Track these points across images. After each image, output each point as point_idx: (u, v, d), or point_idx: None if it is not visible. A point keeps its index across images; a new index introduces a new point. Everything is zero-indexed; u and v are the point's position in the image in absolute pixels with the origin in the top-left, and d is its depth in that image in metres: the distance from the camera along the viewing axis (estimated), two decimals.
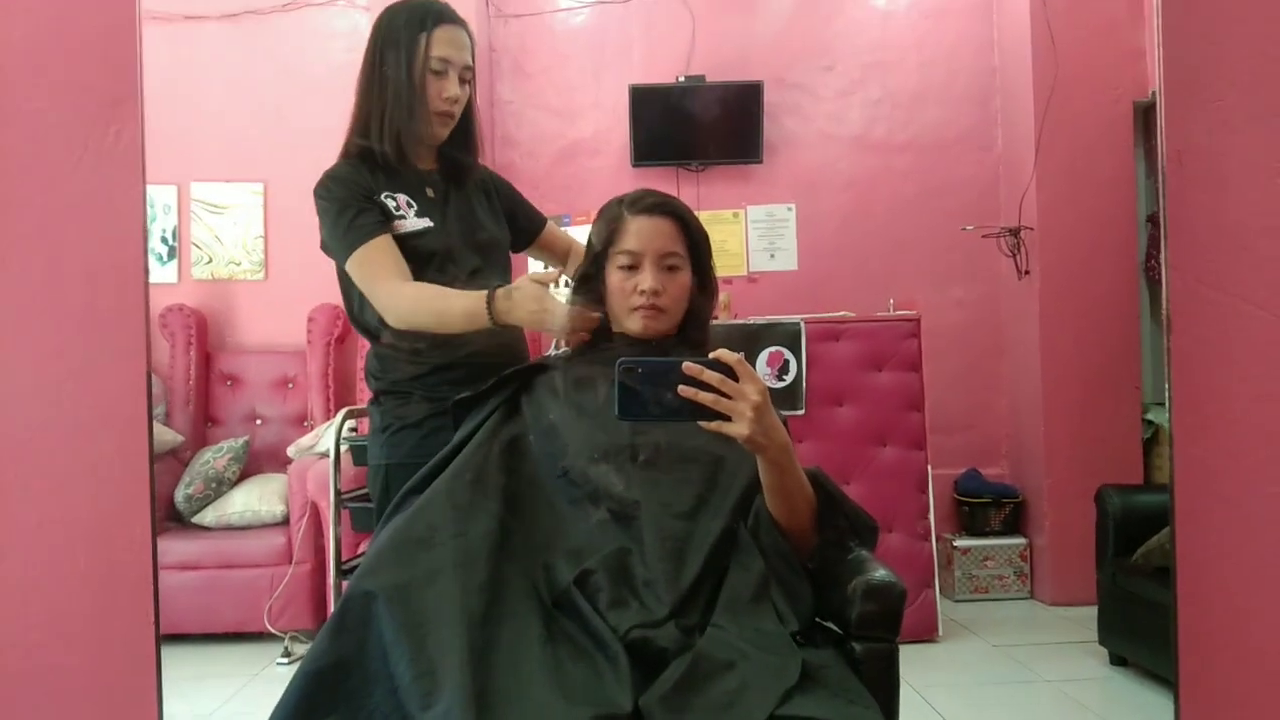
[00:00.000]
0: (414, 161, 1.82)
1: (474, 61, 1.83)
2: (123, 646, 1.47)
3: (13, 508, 1.47)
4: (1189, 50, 1.35)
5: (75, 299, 1.48)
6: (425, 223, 1.78)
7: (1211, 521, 1.36)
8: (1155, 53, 1.44)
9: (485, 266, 1.82)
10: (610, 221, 1.46)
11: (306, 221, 4.69)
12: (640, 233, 1.44)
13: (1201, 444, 1.35)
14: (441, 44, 1.76)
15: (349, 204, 1.73)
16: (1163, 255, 1.37)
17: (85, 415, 1.47)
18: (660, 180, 4.34)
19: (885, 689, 1.25)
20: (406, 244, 1.74)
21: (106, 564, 1.48)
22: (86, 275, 1.47)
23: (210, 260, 4.37)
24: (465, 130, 1.87)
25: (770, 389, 1.23)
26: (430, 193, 1.83)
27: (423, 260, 1.75)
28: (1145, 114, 4.10)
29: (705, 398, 1.18)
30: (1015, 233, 4.11)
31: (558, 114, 4.48)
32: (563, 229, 2.17)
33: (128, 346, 1.46)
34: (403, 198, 1.79)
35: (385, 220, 1.74)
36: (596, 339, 1.53)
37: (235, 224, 4.37)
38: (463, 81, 1.81)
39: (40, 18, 1.46)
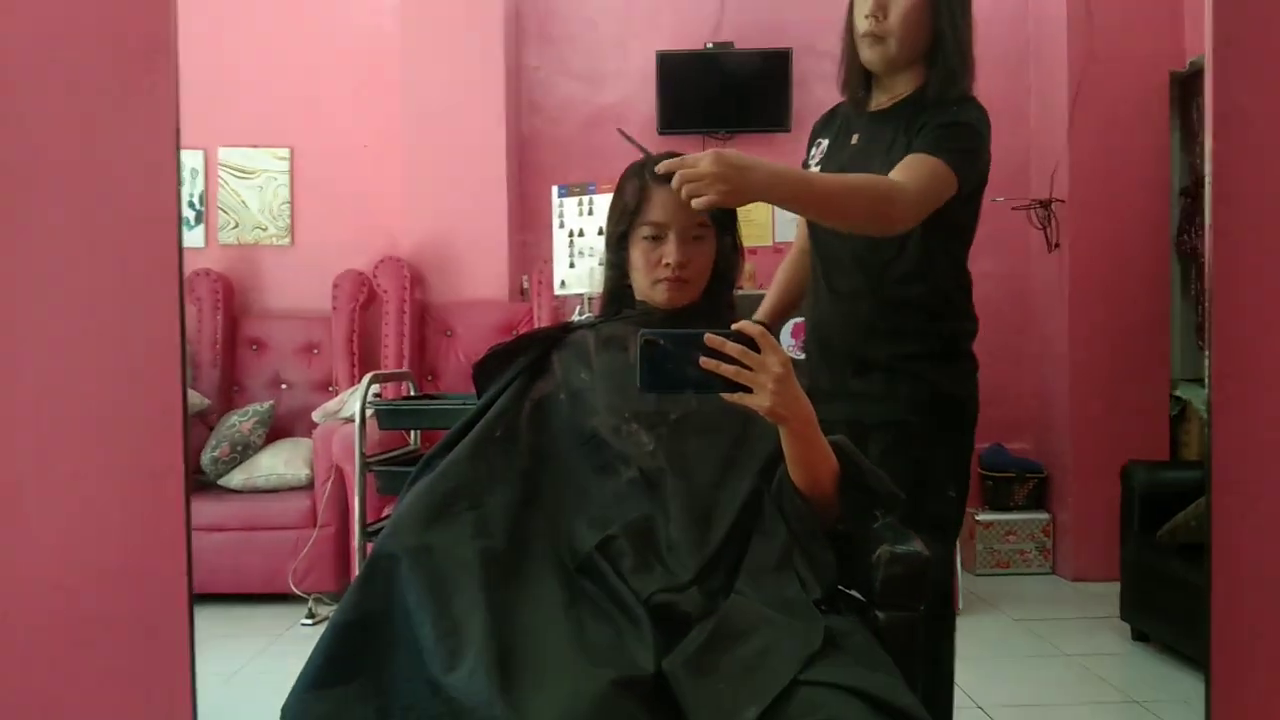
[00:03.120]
0: (865, 104, 1.76)
1: None
2: (157, 597, 1.49)
3: (51, 459, 1.49)
4: (1239, 9, 1.31)
5: (110, 252, 1.48)
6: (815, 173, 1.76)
7: (1248, 491, 1.34)
8: (1201, 16, 1.40)
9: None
10: (636, 191, 1.44)
11: (333, 187, 4.65)
12: (666, 204, 1.41)
13: (1241, 413, 1.33)
14: None
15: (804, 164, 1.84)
16: (1206, 220, 1.34)
17: (121, 367, 1.49)
18: (686, 147, 4.29)
19: (908, 657, 1.25)
20: None
21: (141, 517, 1.50)
22: (121, 227, 1.48)
23: (237, 225, 4.39)
24: (933, 58, 1.68)
25: (794, 360, 1.23)
26: (855, 139, 1.75)
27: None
28: (1182, 85, 4.02)
29: (727, 370, 1.18)
30: (1046, 205, 4.05)
31: (584, 80, 4.45)
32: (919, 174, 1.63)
33: (162, 299, 1.47)
34: (825, 142, 1.82)
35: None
36: (621, 306, 1.52)
37: (262, 189, 4.39)
38: None
39: None
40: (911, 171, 1.57)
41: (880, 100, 1.77)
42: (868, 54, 1.71)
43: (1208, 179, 1.35)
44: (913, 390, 1.71)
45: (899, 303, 1.71)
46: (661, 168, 1.38)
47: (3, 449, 1.47)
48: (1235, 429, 1.34)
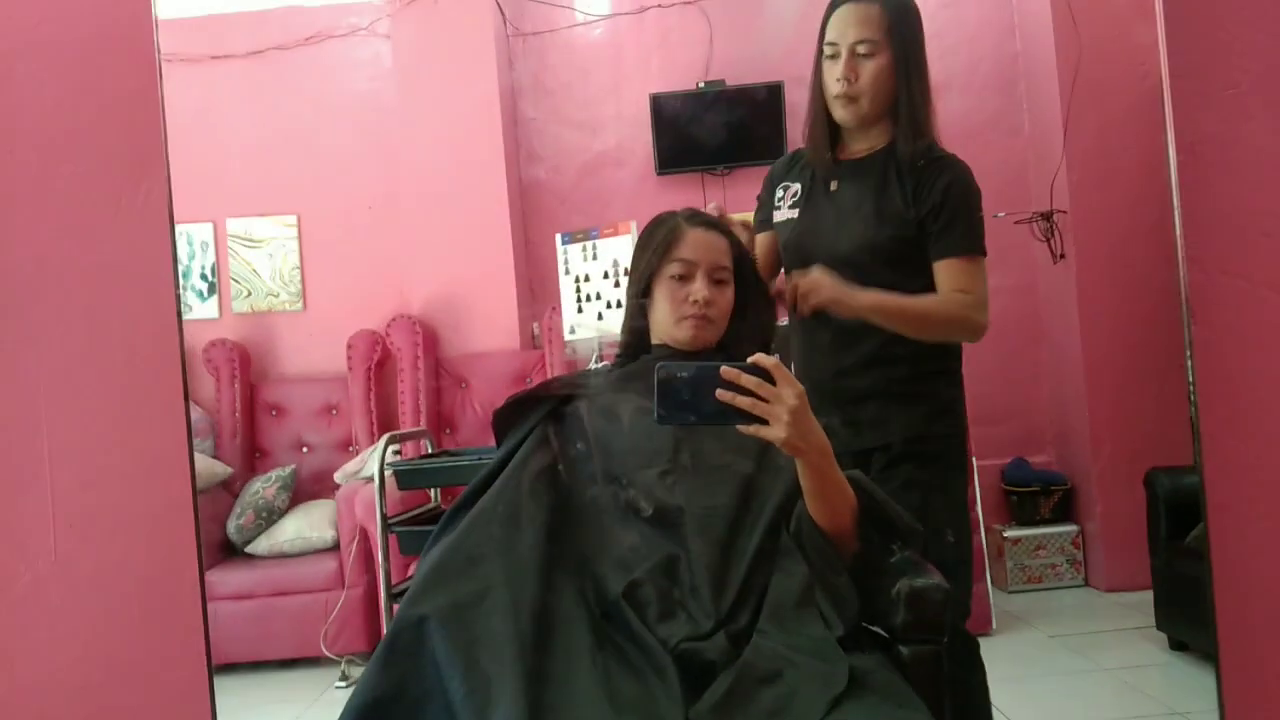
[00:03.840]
0: (834, 152, 1.85)
1: (896, 36, 1.76)
2: (178, 686, 1.51)
3: (70, 557, 1.51)
4: (1195, 40, 1.34)
5: (115, 353, 1.53)
6: (792, 215, 1.86)
7: (1244, 511, 1.34)
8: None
9: (839, 268, 1.71)
10: (668, 233, 1.50)
11: (341, 250, 4.73)
12: (697, 244, 1.48)
13: (1229, 433, 1.34)
14: (833, 28, 1.81)
15: (760, 199, 1.96)
16: (1178, 246, 1.35)
17: (131, 465, 1.52)
18: (685, 186, 4.35)
19: (933, 690, 1.24)
20: (781, 234, 1.88)
21: (160, 608, 1.52)
22: (124, 329, 1.53)
23: (249, 294, 4.45)
24: (897, 112, 1.80)
25: None
26: (834, 184, 1.84)
27: (787, 253, 1.86)
28: None
29: (743, 402, 1.19)
30: (1048, 217, 4.06)
31: (580, 128, 4.51)
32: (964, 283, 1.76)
33: (167, 396, 1.51)
34: (796, 186, 1.88)
35: (766, 218, 1.91)
36: (637, 351, 1.54)
37: (271, 257, 4.45)
38: (866, 56, 1.76)
39: (68, 85, 1.51)
40: (963, 280, 1.76)
41: (856, 150, 1.86)
42: (841, 113, 1.81)
43: (1176, 207, 1.37)
44: (911, 409, 1.81)
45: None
46: (779, 286, 1.72)
47: (22, 549, 1.49)
48: (1224, 451, 1.35)
